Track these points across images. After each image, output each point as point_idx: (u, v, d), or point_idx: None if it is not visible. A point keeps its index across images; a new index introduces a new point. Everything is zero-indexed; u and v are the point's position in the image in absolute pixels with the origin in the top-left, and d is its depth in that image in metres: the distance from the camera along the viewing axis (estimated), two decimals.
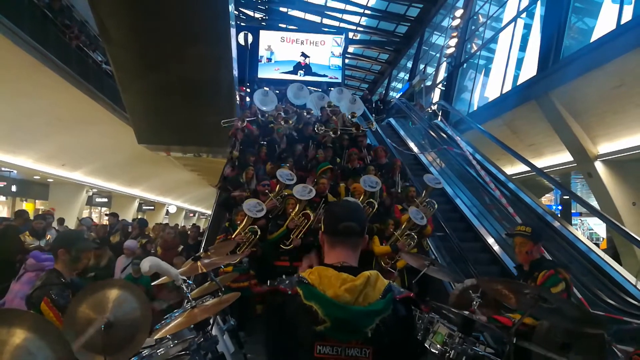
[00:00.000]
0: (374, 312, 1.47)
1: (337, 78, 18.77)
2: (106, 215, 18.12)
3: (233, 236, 5.41)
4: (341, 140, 8.56)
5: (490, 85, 14.95)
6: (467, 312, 2.98)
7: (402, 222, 5.64)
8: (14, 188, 18.27)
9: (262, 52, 18.71)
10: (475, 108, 15.19)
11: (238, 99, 13.63)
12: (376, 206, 6.08)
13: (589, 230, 18.56)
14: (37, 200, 20.89)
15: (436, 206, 6.40)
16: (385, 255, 5.39)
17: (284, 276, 1.64)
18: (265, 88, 12.72)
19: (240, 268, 5.27)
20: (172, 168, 20.47)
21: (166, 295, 5.86)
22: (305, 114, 10.58)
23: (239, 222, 5.60)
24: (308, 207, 5.86)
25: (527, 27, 13.47)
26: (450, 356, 2.89)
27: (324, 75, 18.65)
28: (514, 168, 12.14)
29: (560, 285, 2.98)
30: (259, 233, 5.56)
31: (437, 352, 3.07)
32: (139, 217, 23.27)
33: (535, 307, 2.44)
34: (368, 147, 8.83)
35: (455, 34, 16.79)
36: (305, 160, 7.94)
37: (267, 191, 6.32)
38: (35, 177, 18.42)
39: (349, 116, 10.02)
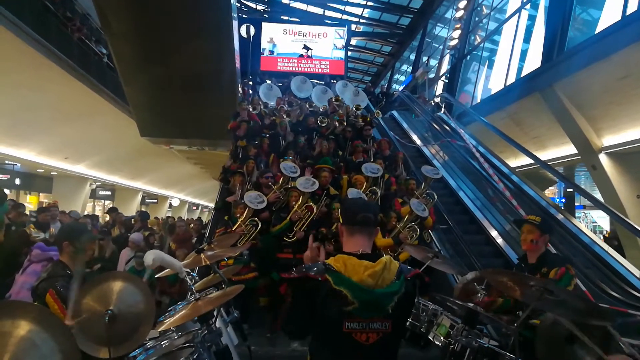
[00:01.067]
0: (393, 293, 1.78)
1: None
2: (106, 214, 18.13)
3: (233, 229, 5.40)
4: (345, 132, 8.55)
5: (494, 78, 14.86)
6: (471, 304, 2.98)
7: (403, 215, 5.64)
8: (17, 181, 18.33)
9: (264, 44, 18.64)
10: (478, 100, 15.12)
11: (241, 91, 13.60)
12: (379, 194, 6.11)
13: (592, 223, 18.49)
14: (40, 193, 20.96)
15: (436, 197, 6.41)
16: (388, 248, 5.38)
17: (309, 263, 1.91)
18: (268, 82, 12.69)
19: (241, 261, 5.27)
20: (175, 161, 20.49)
21: (166, 288, 5.90)
22: (307, 106, 10.58)
23: (238, 215, 5.59)
24: (310, 200, 5.85)
25: (532, 19, 13.36)
26: (455, 348, 2.89)
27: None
28: (518, 160, 12.10)
29: (573, 283, 2.99)
30: (259, 225, 5.55)
31: (441, 344, 3.07)
32: (142, 209, 23.34)
33: (541, 299, 2.43)
34: (372, 140, 8.80)
35: (458, 26, 16.69)
36: (309, 153, 7.93)
37: (270, 183, 6.32)
38: (38, 170, 18.47)
39: (354, 109, 10.00)
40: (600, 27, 9.46)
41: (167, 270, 3.28)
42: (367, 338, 1.76)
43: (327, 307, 1.75)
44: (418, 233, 5.50)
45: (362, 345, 1.76)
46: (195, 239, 8.05)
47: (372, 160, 7.52)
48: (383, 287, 1.76)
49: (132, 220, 9.31)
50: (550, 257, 3.17)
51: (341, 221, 2.00)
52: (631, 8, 8.45)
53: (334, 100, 10.24)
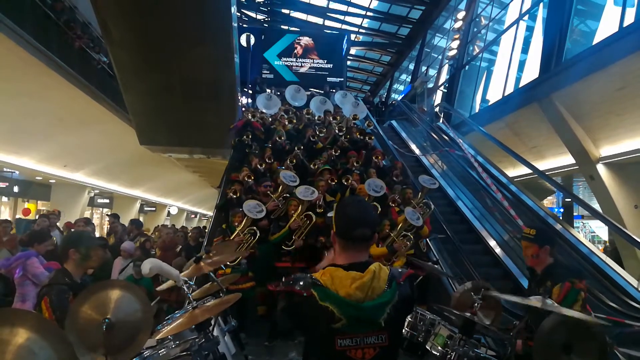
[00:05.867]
0: (384, 304, 1.62)
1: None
2: (107, 215, 18.10)
3: (232, 237, 5.39)
4: (342, 143, 8.54)
5: (493, 88, 14.94)
6: (468, 314, 2.97)
7: (398, 223, 5.62)
8: (16, 189, 18.29)
9: None
10: (477, 110, 15.18)
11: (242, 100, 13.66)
12: (379, 209, 6.09)
13: (590, 233, 18.49)
14: (39, 201, 20.90)
15: (432, 207, 6.39)
16: (382, 257, 5.37)
17: (297, 275, 1.72)
18: (268, 90, 12.74)
19: (239, 269, 5.26)
20: (174, 169, 20.47)
21: (164, 295, 5.86)
22: (305, 114, 10.57)
23: (236, 224, 5.58)
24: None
25: (530, 30, 13.46)
26: (452, 358, 2.89)
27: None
28: (516, 170, 12.12)
29: (580, 300, 2.81)
30: (258, 234, 5.55)
31: (438, 354, 3.07)
32: (140, 218, 23.30)
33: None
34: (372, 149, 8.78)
35: (457, 36, 16.80)
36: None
37: (269, 192, 6.32)
38: (37, 177, 18.43)
39: (351, 119, 9.98)
40: (597, 38, 9.54)
41: (169, 281, 3.28)
42: (362, 355, 1.61)
43: (315, 325, 1.62)
44: (412, 241, 5.50)
45: None
46: (180, 247, 8.02)
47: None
48: (373, 299, 1.61)
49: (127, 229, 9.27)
50: (556, 271, 3.02)
51: (334, 229, 1.79)
52: (628, 19, 8.52)
53: (331, 117, 10.09)
